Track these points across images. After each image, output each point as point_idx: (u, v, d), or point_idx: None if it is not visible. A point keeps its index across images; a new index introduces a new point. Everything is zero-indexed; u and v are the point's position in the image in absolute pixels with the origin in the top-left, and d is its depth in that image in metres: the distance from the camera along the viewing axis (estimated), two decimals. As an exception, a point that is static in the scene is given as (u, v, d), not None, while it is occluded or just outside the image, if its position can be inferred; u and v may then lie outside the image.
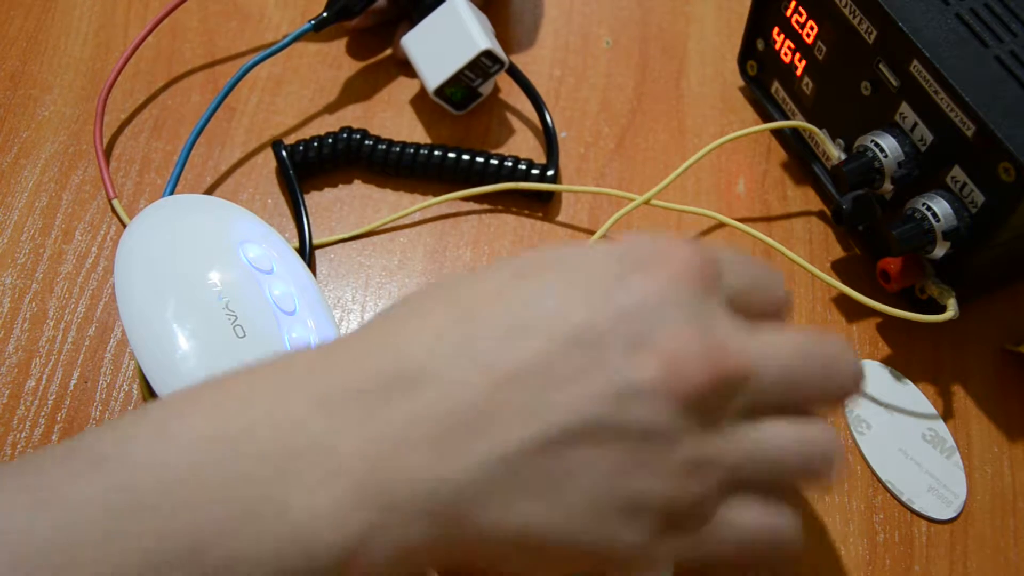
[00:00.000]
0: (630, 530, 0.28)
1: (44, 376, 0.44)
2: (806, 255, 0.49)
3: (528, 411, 0.27)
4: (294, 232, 0.49)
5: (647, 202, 0.48)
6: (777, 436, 0.30)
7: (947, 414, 0.45)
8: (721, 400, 0.29)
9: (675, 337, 0.29)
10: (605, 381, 0.28)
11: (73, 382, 0.44)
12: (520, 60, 0.55)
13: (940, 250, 0.42)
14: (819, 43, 0.47)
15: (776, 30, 0.50)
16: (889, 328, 0.47)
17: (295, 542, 0.25)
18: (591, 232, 0.50)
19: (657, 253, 0.30)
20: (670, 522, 0.29)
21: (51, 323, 0.46)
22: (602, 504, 0.28)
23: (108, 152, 0.51)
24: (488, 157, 0.50)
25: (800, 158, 0.52)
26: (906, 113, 0.43)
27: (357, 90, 0.54)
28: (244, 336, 0.39)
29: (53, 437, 0.42)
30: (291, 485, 0.26)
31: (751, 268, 0.33)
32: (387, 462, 0.27)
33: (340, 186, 0.51)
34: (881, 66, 0.43)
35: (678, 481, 0.28)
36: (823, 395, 0.32)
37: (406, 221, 0.50)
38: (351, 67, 0.55)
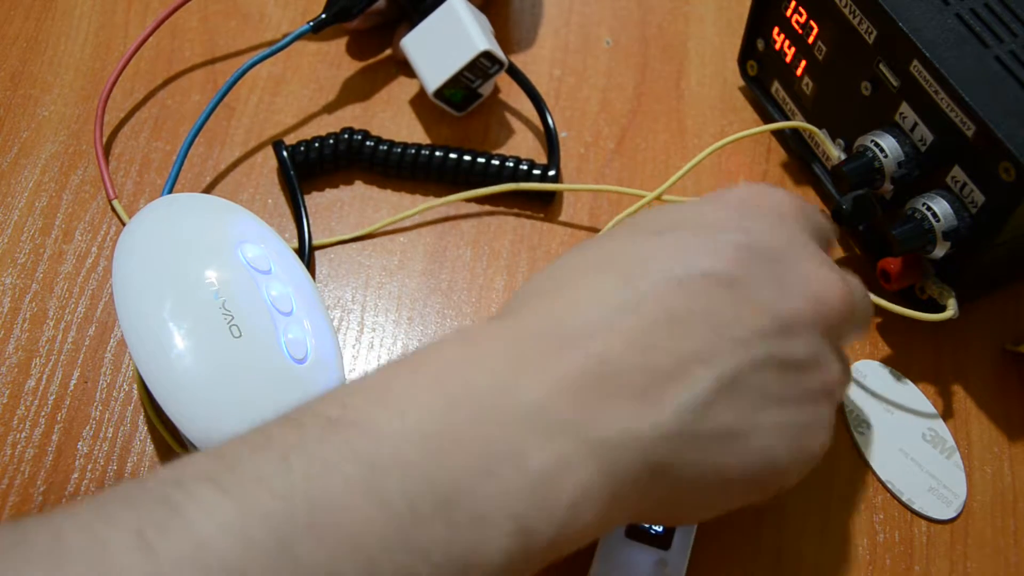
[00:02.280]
0: (793, 457, 0.32)
1: (44, 376, 0.44)
2: (806, 255, 0.49)
3: (708, 354, 0.30)
4: (294, 232, 0.49)
5: (658, 198, 0.48)
6: (844, 360, 0.35)
7: (947, 414, 0.45)
8: (843, 328, 0.34)
9: (812, 274, 0.33)
10: (767, 318, 0.31)
11: (73, 382, 0.44)
12: (520, 60, 0.55)
13: (940, 250, 0.42)
14: (819, 43, 0.47)
15: (776, 30, 0.50)
16: (889, 328, 0.47)
17: (533, 495, 0.27)
18: (593, 232, 0.50)
19: (764, 200, 0.34)
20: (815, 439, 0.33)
21: (51, 323, 0.46)
22: (781, 437, 0.31)
23: (108, 151, 0.51)
24: (489, 158, 0.50)
25: (800, 158, 0.52)
26: (906, 113, 0.43)
27: (357, 90, 0.54)
28: (240, 336, 0.39)
29: (53, 437, 0.42)
30: (524, 443, 0.27)
31: (815, 213, 0.37)
32: (600, 417, 0.28)
33: (341, 186, 0.51)
34: (881, 66, 0.43)
35: (831, 402, 0.33)
36: (863, 330, 0.37)
37: (406, 223, 0.50)
38: (351, 67, 0.55)
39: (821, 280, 0.33)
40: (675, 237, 0.32)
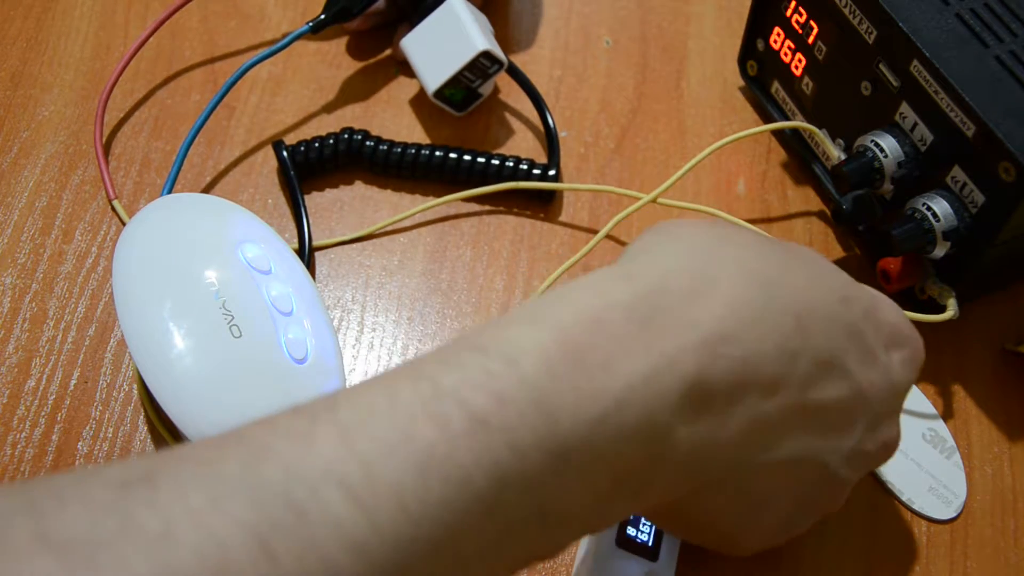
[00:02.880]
0: (765, 540, 0.35)
1: (44, 376, 0.44)
2: (806, 255, 0.49)
3: (797, 435, 0.31)
4: (294, 232, 0.49)
5: (654, 200, 0.48)
6: None
7: (947, 414, 0.45)
8: None
9: (893, 426, 0.35)
10: (851, 441, 0.33)
11: (73, 382, 0.44)
12: (520, 60, 0.55)
13: (940, 250, 0.42)
14: (819, 43, 0.47)
15: (776, 30, 0.50)
16: (889, 328, 0.47)
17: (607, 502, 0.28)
18: (592, 232, 0.50)
19: (912, 337, 0.36)
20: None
21: (51, 323, 0.46)
22: (774, 521, 0.34)
23: (108, 151, 0.51)
24: (489, 157, 0.50)
25: (800, 158, 0.52)
26: (906, 113, 0.43)
27: (357, 90, 0.54)
28: (240, 336, 0.39)
29: (53, 437, 0.42)
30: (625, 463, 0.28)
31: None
32: (709, 449, 0.29)
33: (341, 186, 0.51)
34: (881, 66, 0.43)
35: (817, 519, 0.37)
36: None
37: (406, 223, 0.50)
38: (351, 67, 0.55)
39: (894, 435, 0.36)
40: (852, 308, 0.33)
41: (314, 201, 0.50)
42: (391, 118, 0.53)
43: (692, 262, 0.30)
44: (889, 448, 0.35)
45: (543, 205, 0.51)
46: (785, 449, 0.31)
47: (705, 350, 0.28)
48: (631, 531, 0.39)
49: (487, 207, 0.51)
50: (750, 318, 0.29)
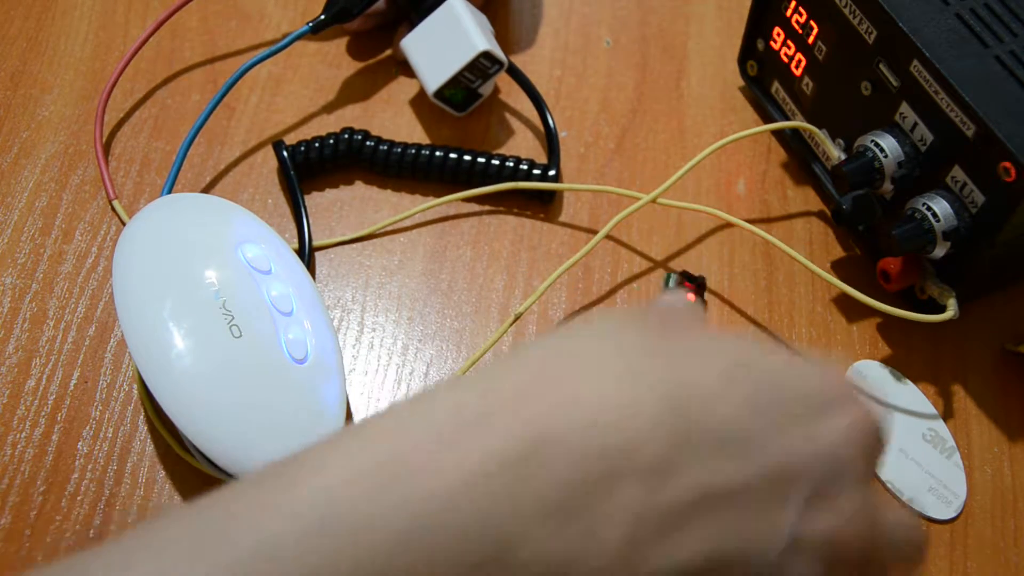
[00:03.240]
0: None
1: (44, 376, 0.44)
2: (806, 255, 0.49)
3: (709, 534, 0.27)
4: (294, 232, 0.49)
5: (654, 200, 0.48)
6: None
7: (947, 414, 0.45)
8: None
9: (848, 508, 0.29)
10: (781, 529, 0.28)
11: (73, 382, 0.44)
12: (520, 60, 0.55)
13: (940, 250, 0.42)
14: (819, 43, 0.47)
15: (776, 30, 0.50)
16: (889, 328, 0.47)
17: None
18: (592, 232, 0.50)
19: (845, 402, 0.31)
20: None
21: (51, 323, 0.46)
22: None
23: (108, 151, 0.51)
24: (489, 158, 0.50)
25: (800, 158, 0.52)
26: (906, 113, 0.43)
27: (357, 90, 0.54)
28: (240, 336, 0.39)
29: (53, 437, 0.42)
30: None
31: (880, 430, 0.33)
32: (579, 561, 0.26)
33: (341, 186, 0.51)
34: (881, 66, 0.43)
35: None
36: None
37: (406, 223, 0.50)
38: (351, 67, 0.55)
39: (851, 517, 0.30)
40: (747, 384, 0.29)
41: (314, 201, 0.50)
42: (391, 118, 0.53)
43: (532, 363, 0.28)
44: (849, 535, 0.30)
45: (543, 205, 0.51)
46: (694, 550, 0.27)
47: (533, 453, 0.26)
48: None
49: (487, 207, 0.51)
50: (614, 406, 0.27)
